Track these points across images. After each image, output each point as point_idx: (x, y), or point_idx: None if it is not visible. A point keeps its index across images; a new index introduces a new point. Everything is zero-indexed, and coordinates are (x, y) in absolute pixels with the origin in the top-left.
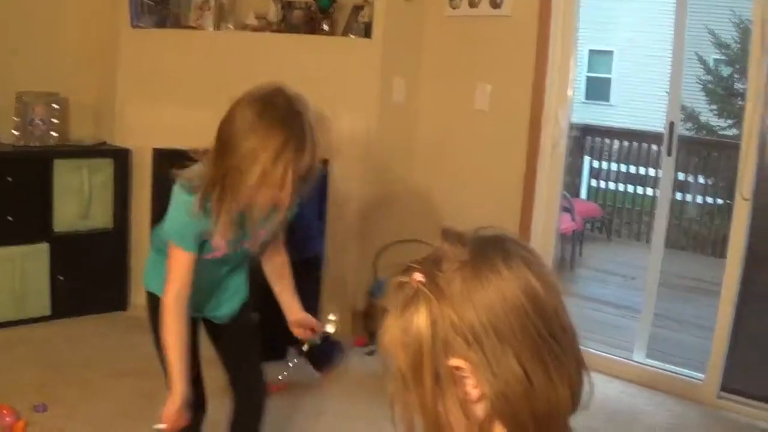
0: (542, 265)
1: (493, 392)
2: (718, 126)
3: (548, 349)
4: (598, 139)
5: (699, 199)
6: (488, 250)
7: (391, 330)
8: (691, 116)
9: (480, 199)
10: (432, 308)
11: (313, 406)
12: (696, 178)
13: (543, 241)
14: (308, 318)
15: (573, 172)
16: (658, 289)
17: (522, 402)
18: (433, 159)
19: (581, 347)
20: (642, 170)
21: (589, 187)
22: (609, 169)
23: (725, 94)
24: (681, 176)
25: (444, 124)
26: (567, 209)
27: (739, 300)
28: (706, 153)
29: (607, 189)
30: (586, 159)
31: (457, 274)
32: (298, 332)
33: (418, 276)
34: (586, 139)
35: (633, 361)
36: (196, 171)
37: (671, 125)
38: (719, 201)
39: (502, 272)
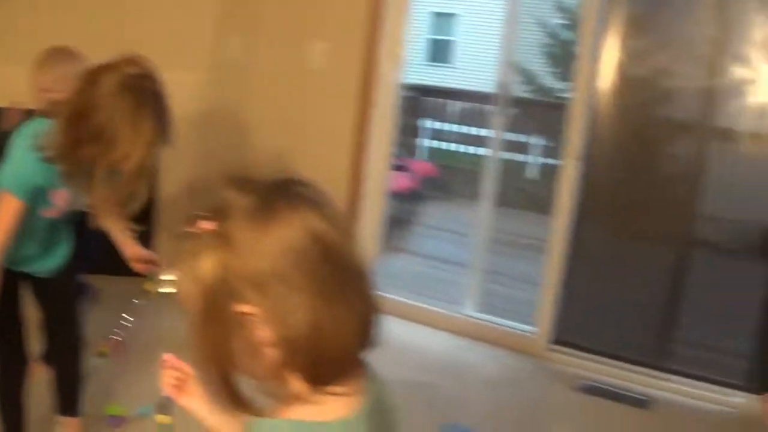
0: (330, 207)
1: (281, 338)
2: (559, 89)
3: (336, 291)
4: (438, 101)
5: (539, 161)
6: (273, 196)
7: (182, 280)
8: (531, 79)
9: (315, 159)
10: (218, 256)
11: (144, 366)
12: (534, 138)
13: (375, 199)
14: (144, 251)
15: (411, 133)
16: (494, 247)
17: (310, 346)
18: (269, 119)
19: (376, 289)
20: (480, 131)
21: (429, 148)
22: (448, 130)
23: (565, 56)
24: (522, 138)
25: (279, 82)
26: (402, 167)
27: (568, 256)
28: (546, 114)
29: (446, 150)
30: (427, 120)
31: (242, 222)
32: (138, 267)
33: (205, 225)
34: (424, 100)
35: (464, 314)
36: (38, 128)
37: (502, 84)
38: (556, 162)
39: (287, 217)
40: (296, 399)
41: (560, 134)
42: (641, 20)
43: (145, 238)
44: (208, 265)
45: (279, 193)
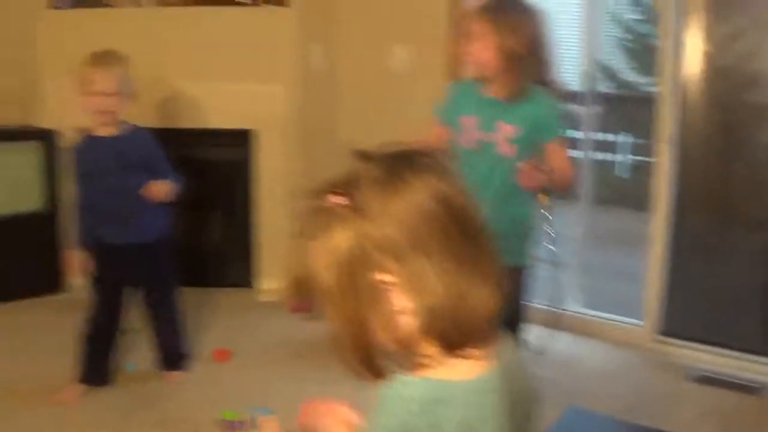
0: (451, 172)
1: (420, 305)
2: (639, 83)
3: (467, 252)
4: None
5: (628, 158)
6: (399, 166)
7: (314, 254)
8: (612, 75)
9: None
10: (352, 226)
11: (255, 373)
12: (621, 136)
13: None
14: None
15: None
16: (592, 244)
17: (450, 311)
18: (357, 124)
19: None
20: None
21: None
22: None
23: (644, 50)
24: (610, 137)
25: (364, 88)
26: None
27: (670, 247)
28: (632, 110)
29: None
30: None
31: (372, 191)
32: None
33: (335, 198)
34: None
35: (569, 311)
36: None
37: (588, 81)
38: (640, 157)
39: (413, 183)
40: (427, 362)
41: (648, 129)
42: (721, 5)
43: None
44: (342, 236)
45: (404, 163)
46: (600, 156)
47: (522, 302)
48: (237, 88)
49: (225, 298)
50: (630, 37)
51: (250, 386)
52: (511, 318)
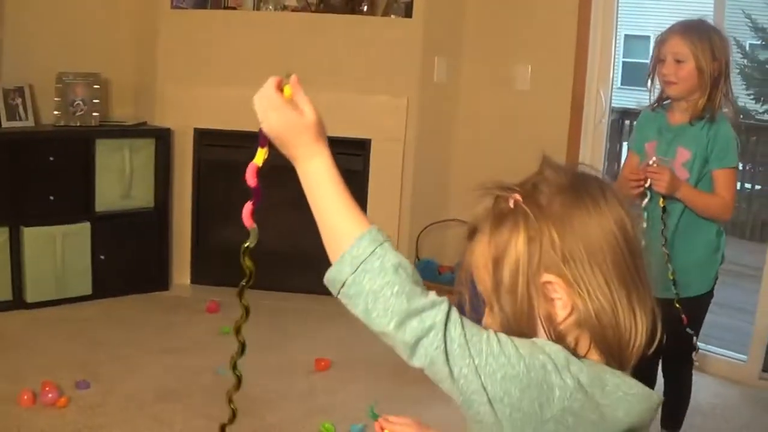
0: (630, 206)
1: (583, 309)
2: (755, 111)
3: (633, 282)
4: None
5: (745, 186)
6: (587, 182)
7: (481, 246)
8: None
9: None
10: (530, 225)
11: (355, 386)
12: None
13: None
14: None
15: (613, 158)
16: None
17: (608, 323)
18: (473, 140)
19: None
20: None
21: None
22: None
23: (763, 78)
24: None
25: (485, 104)
26: None
27: None
28: (745, 138)
29: None
30: (625, 144)
31: (557, 197)
32: None
33: (517, 197)
34: (624, 123)
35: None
36: None
37: None
38: (758, 186)
39: (600, 203)
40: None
41: (760, 157)
42: None
43: None
44: (520, 232)
45: (592, 181)
46: None
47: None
48: (358, 98)
49: (330, 304)
50: (748, 63)
51: (349, 399)
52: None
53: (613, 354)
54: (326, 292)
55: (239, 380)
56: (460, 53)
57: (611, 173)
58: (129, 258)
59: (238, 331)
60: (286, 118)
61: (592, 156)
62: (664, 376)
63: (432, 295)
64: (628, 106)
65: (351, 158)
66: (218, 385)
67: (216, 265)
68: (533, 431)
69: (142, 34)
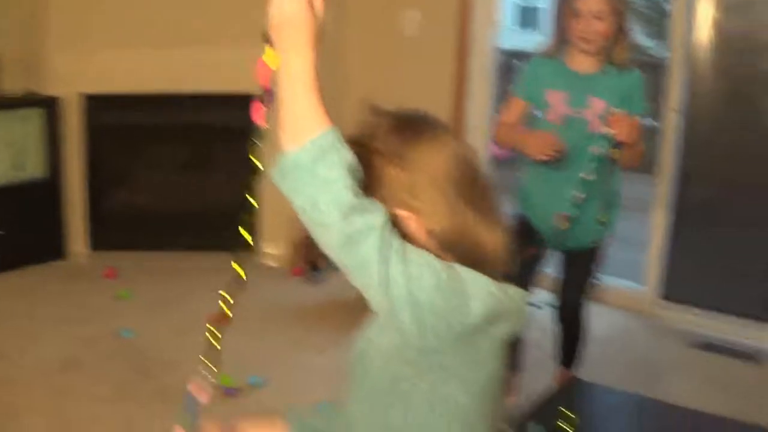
0: (462, 138)
1: (439, 233)
2: (653, 48)
3: (479, 203)
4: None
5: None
6: (414, 120)
7: None
8: None
9: None
10: (377, 167)
11: (251, 336)
12: None
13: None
14: None
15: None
16: None
17: (463, 241)
18: (364, 87)
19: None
20: None
21: None
22: None
23: (657, 16)
24: None
25: (373, 52)
26: None
27: (673, 213)
28: (642, 74)
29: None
30: None
31: (393, 137)
32: None
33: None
34: (518, 65)
35: None
36: None
37: None
38: (654, 122)
39: (436, 136)
40: None
41: (657, 94)
42: None
43: None
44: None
45: (418, 118)
46: None
47: (592, 278)
48: (240, 52)
49: (227, 261)
50: (642, 1)
51: (247, 352)
52: (579, 293)
53: (476, 268)
54: (223, 248)
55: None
56: (345, 2)
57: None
58: (24, 229)
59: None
60: (300, 7)
61: (479, 100)
62: (561, 319)
63: (374, 201)
64: (523, 48)
65: (239, 113)
66: (120, 350)
67: (113, 230)
68: (454, 338)
69: (26, 3)
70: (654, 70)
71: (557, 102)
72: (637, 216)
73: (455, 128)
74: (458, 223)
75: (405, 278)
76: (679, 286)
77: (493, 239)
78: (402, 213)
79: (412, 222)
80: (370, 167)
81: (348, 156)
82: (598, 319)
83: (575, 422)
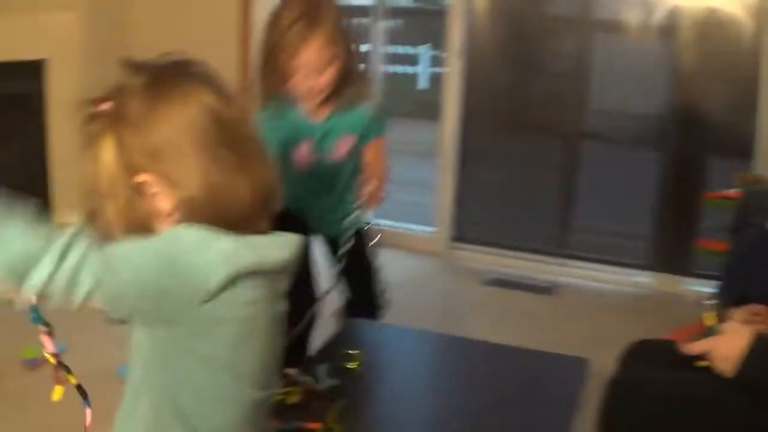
0: (222, 84)
1: (185, 196)
2: None
3: (229, 158)
4: None
5: (428, 70)
6: (165, 74)
7: (84, 162)
8: None
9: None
10: (114, 133)
11: None
12: (423, 49)
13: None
14: None
15: None
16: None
17: (206, 207)
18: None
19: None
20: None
21: None
22: None
23: None
24: (411, 50)
25: (156, 10)
26: None
27: (461, 156)
28: (429, 22)
29: None
30: None
31: (136, 99)
32: None
33: (102, 106)
34: None
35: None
36: None
37: None
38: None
39: (179, 92)
40: None
41: (442, 40)
42: None
43: None
44: (107, 143)
45: (171, 72)
46: (402, 69)
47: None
48: (22, 18)
49: None
50: None
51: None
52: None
53: (230, 226)
54: None
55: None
56: None
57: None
58: None
59: None
60: None
61: None
62: (352, 291)
63: (63, 235)
64: None
65: (25, 81)
66: None
67: None
68: (187, 311)
69: None
70: (439, 16)
71: (300, 152)
72: (428, 161)
73: (242, 77)
74: (209, 183)
75: (110, 279)
76: (471, 227)
77: (254, 193)
78: (144, 177)
79: (155, 185)
80: (107, 133)
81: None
82: (393, 263)
83: (361, 359)
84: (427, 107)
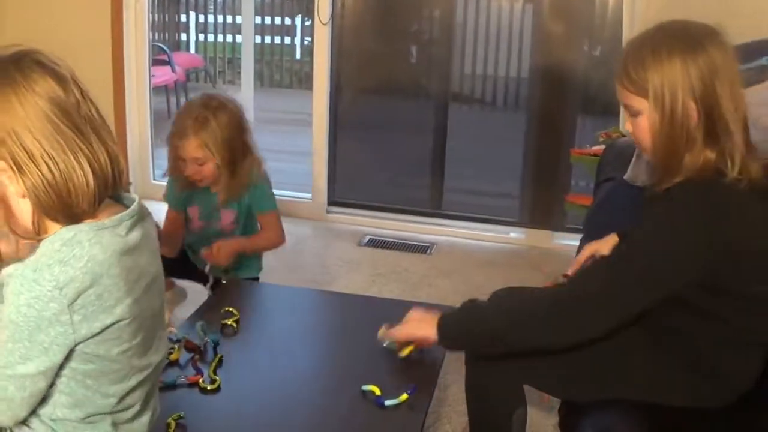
0: (63, 69)
1: (27, 186)
2: None
3: (73, 140)
4: None
5: (305, 40)
6: (3, 65)
7: None
8: None
9: (74, 56)
10: None
11: None
12: (298, 19)
13: (137, 94)
14: None
15: (175, 28)
16: (261, 126)
17: (53, 188)
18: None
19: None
20: (236, 19)
21: (196, 41)
22: (211, 22)
23: None
24: (280, 20)
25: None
26: (166, 62)
27: (333, 123)
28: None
29: (212, 41)
30: (192, 14)
31: None
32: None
33: None
34: None
35: None
36: None
37: None
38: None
39: (21, 83)
40: None
41: (309, 11)
42: None
43: None
44: None
45: (10, 64)
46: (279, 40)
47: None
48: None
49: None
50: None
51: None
52: None
53: (69, 212)
54: None
55: None
56: None
57: (178, 43)
58: None
59: None
60: None
61: (135, 29)
62: None
63: None
64: None
65: None
66: None
67: None
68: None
69: None
70: None
71: (194, 216)
72: (303, 130)
73: (115, 62)
74: (53, 166)
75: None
76: (346, 192)
77: (97, 173)
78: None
79: (8, 178)
80: None
81: None
82: None
83: (238, 316)
84: (304, 77)
